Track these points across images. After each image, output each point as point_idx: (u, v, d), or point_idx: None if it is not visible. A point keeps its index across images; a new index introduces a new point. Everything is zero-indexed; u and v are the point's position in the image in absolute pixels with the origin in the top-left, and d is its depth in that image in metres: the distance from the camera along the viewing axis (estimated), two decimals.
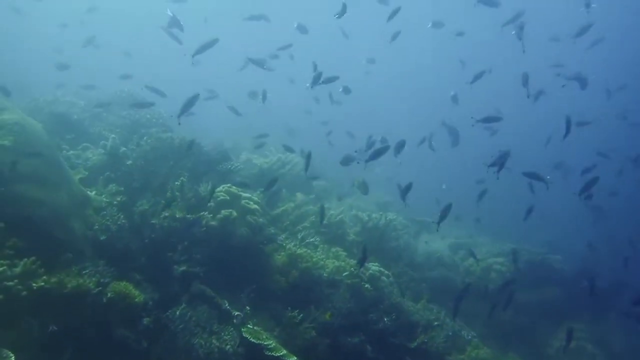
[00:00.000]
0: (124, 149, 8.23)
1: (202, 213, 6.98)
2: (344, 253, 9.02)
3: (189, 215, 6.76)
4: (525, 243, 15.80)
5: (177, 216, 6.67)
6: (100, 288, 5.22)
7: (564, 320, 11.34)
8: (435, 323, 8.71)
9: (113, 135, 8.44)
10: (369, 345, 7.68)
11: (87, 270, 5.39)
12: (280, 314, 7.40)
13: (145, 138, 8.56)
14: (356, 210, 12.39)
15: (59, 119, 10.00)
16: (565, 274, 12.68)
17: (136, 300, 5.28)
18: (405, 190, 8.11)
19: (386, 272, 8.99)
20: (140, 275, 6.44)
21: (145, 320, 5.83)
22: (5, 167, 4.88)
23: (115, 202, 6.68)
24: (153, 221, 6.71)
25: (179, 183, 7.15)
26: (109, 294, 5.19)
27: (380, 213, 11.24)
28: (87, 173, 7.89)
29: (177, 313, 5.87)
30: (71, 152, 8.66)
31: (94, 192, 6.85)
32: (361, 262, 7.68)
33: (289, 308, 7.30)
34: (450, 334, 9.32)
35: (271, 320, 7.39)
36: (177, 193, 7.07)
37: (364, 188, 10.44)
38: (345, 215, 10.94)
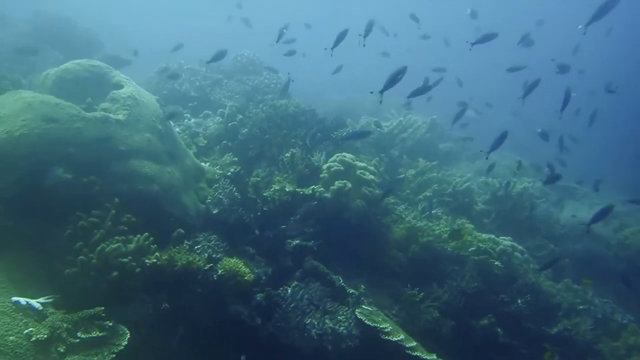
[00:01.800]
0: (241, 116, 8.22)
1: (312, 187, 6.67)
2: (471, 225, 8.22)
3: (298, 189, 6.50)
4: None
5: (287, 190, 6.46)
6: (211, 264, 5.20)
7: None
8: (581, 307, 7.61)
9: (230, 103, 8.48)
10: (499, 328, 6.95)
11: (200, 246, 5.41)
12: (399, 292, 6.97)
13: (261, 105, 8.48)
14: (485, 177, 11.35)
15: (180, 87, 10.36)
16: None
17: (246, 278, 5.19)
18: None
19: (520, 247, 8.03)
20: (254, 249, 6.40)
21: (259, 296, 5.76)
22: (119, 142, 4.97)
23: (229, 174, 6.65)
24: (265, 194, 6.59)
25: (288, 154, 6.93)
26: (219, 271, 5.16)
27: (514, 180, 10.08)
28: (205, 142, 8.05)
29: (289, 291, 5.70)
30: (192, 120, 8.91)
31: (208, 164, 6.92)
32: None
33: (409, 285, 6.83)
34: (600, 317, 8.15)
35: (389, 298, 6.99)
36: (287, 164, 6.87)
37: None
38: (472, 182, 10.02)
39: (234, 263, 5.22)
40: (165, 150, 5.57)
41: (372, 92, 6.54)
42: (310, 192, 6.53)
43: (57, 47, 10.16)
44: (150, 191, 5.08)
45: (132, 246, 4.56)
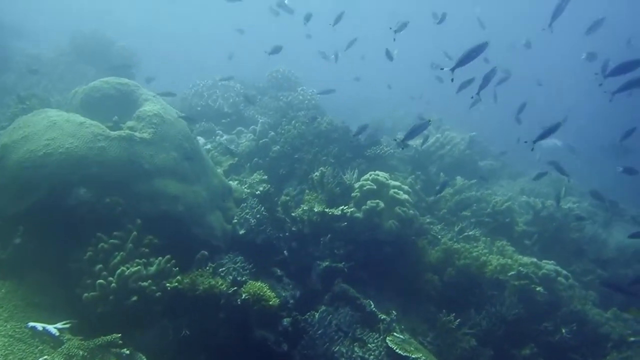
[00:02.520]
0: (272, 133, 8.09)
1: (341, 207, 6.41)
2: (511, 248, 7.79)
3: (327, 210, 6.26)
4: None
5: (316, 210, 6.24)
6: (235, 288, 5.00)
7: None
8: (632, 338, 7.03)
9: (262, 120, 8.37)
10: (542, 359, 6.49)
11: (224, 268, 5.23)
12: (434, 317, 6.61)
13: (293, 122, 8.33)
14: (527, 196, 10.83)
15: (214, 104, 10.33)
16: None
17: (270, 303, 4.95)
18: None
19: (564, 272, 7.52)
20: (282, 271, 6.20)
21: (285, 321, 5.53)
22: (144, 160, 4.87)
23: (257, 192, 6.47)
24: (293, 214, 6.38)
25: (318, 174, 6.71)
26: (243, 295, 4.95)
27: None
28: (237, 159, 7.93)
29: (317, 316, 5.44)
30: (224, 137, 8.84)
31: (237, 182, 6.78)
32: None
33: (444, 311, 6.47)
34: None
35: (424, 324, 6.64)
36: (317, 183, 6.65)
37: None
38: (513, 202, 9.55)
39: (259, 287, 5.00)
40: (192, 169, 5.44)
41: (442, 69, 6.22)
42: (340, 212, 6.27)
43: (94, 64, 10.35)
44: (174, 211, 4.95)
45: (153, 269, 4.42)
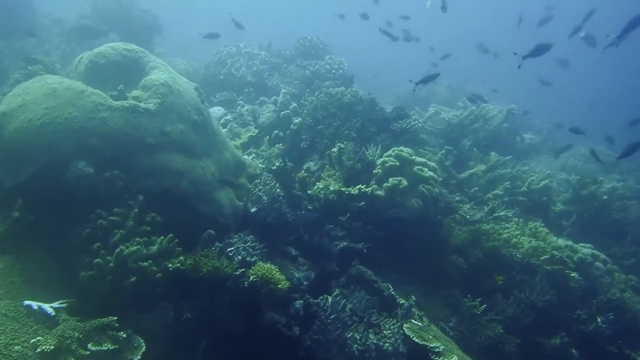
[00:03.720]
0: (294, 105, 7.71)
1: (359, 186, 6.03)
2: (545, 229, 7.28)
3: (344, 189, 5.89)
4: None
5: (332, 188, 5.89)
6: (242, 270, 4.76)
7: None
8: None
9: (284, 90, 7.99)
10: (574, 349, 6.08)
11: (233, 248, 4.98)
12: (458, 302, 6.26)
13: (317, 93, 7.92)
14: (568, 173, 10.19)
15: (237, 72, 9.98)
16: None
17: (280, 286, 4.69)
18: None
19: (602, 256, 7.02)
20: (297, 250, 5.93)
21: (298, 304, 5.28)
22: (148, 133, 4.61)
23: (274, 167, 6.17)
24: (309, 191, 6.06)
25: (336, 150, 6.32)
26: (251, 278, 4.70)
27: (601, 178, 8.90)
28: (257, 131, 7.62)
29: (329, 300, 5.16)
30: (246, 107, 8.52)
31: (252, 156, 6.48)
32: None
33: (469, 296, 6.10)
34: None
35: (446, 309, 6.31)
36: (334, 160, 6.28)
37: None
38: (552, 180, 8.97)
39: (268, 269, 4.74)
40: (200, 143, 5.15)
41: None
42: (357, 191, 5.90)
43: (115, 29, 10.09)
44: (179, 188, 4.69)
45: (154, 249, 4.20)
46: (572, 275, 6.48)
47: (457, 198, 7.83)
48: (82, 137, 4.21)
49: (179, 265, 4.30)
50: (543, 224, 7.53)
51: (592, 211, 8.58)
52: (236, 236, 5.14)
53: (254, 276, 4.69)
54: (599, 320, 6.25)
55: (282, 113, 7.44)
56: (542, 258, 6.64)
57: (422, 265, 6.48)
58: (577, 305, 6.47)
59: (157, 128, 4.66)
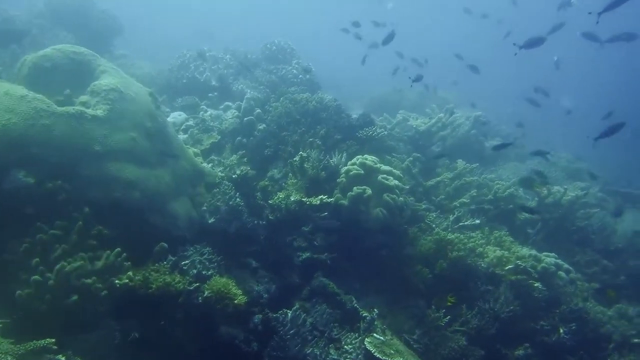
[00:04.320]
0: (259, 110, 7.51)
1: (321, 196, 5.88)
2: (510, 238, 7.25)
3: (305, 199, 5.73)
4: None
5: (292, 199, 5.72)
6: (197, 285, 4.55)
7: None
8: (635, 340, 6.54)
9: (248, 95, 7.77)
10: None
11: (188, 261, 4.77)
12: (423, 313, 6.15)
13: (281, 99, 7.74)
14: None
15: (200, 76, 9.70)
16: None
17: (236, 301, 4.50)
18: None
19: (565, 265, 7.01)
20: (258, 262, 5.74)
21: (257, 318, 5.09)
22: (96, 141, 4.36)
23: (234, 176, 5.97)
24: (270, 201, 5.88)
25: (298, 158, 6.15)
26: (206, 293, 4.49)
27: (565, 187, 8.95)
28: (219, 137, 7.39)
29: (289, 315, 4.98)
30: (209, 112, 8.27)
31: (211, 164, 6.26)
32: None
33: (433, 307, 6.00)
34: None
35: (411, 320, 6.18)
36: (296, 168, 6.11)
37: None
38: (517, 188, 8.96)
39: (224, 283, 4.54)
40: (154, 151, 4.92)
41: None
42: (318, 202, 5.75)
43: (71, 29, 9.66)
44: (130, 198, 4.46)
45: (100, 264, 3.97)
46: (535, 285, 6.45)
47: (424, 206, 7.75)
48: (21, 145, 3.95)
49: (127, 281, 4.07)
50: (508, 233, 7.50)
51: (557, 219, 8.60)
52: (192, 248, 4.93)
53: (209, 291, 4.50)
54: (561, 331, 6.23)
55: (245, 119, 7.24)
56: (507, 268, 6.59)
57: (388, 275, 6.38)
58: (540, 315, 6.43)
59: (106, 136, 4.42)
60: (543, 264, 6.77)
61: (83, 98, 4.56)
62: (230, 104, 8.31)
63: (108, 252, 4.05)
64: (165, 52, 11.65)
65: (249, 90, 8.81)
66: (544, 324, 6.32)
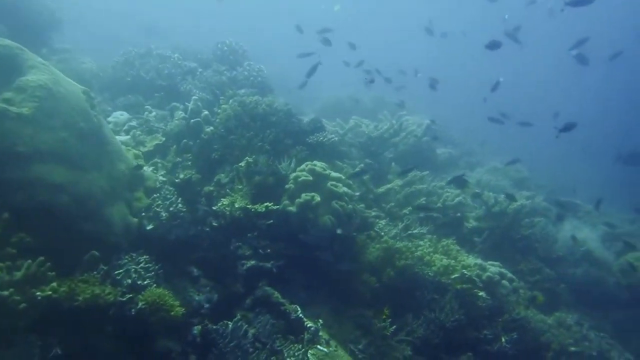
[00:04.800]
0: (206, 112, 7.25)
1: (266, 203, 5.72)
2: (456, 247, 7.29)
3: (250, 206, 5.55)
4: None
5: (237, 205, 5.53)
6: (130, 295, 4.30)
7: None
8: (572, 348, 6.70)
9: (195, 96, 7.50)
10: None
11: (122, 270, 4.50)
12: (369, 323, 6.08)
13: (230, 101, 7.52)
14: (482, 189, 10.39)
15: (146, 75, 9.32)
16: None
17: (172, 313, 4.28)
18: None
19: (509, 274, 7.13)
20: (199, 271, 5.51)
21: (196, 330, 4.88)
22: (20, 141, 4.05)
23: (177, 180, 5.72)
24: (214, 207, 5.67)
25: (243, 164, 5.97)
26: (140, 304, 4.25)
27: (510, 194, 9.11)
28: (164, 139, 7.09)
29: (230, 326, 4.79)
30: (154, 113, 7.94)
31: (152, 168, 5.98)
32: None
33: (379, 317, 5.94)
34: (595, 354, 7.26)
35: (357, 330, 6.10)
36: (242, 174, 5.92)
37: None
38: (466, 196, 9.07)
39: (159, 294, 4.31)
40: (88, 153, 4.63)
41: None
42: (264, 209, 5.59)
43: (4, 19, 9.04)
44: (57, 203, 4.16)
45: (19, 274, 3.66)
46: (480, 294, 6.50)
47: (374, 213, 7.70)
48: None
49: (50, 292, 3.78)
50: (455, 241, 7.54)
51: (503, 228, 8.75)
52: (127, 257, 4.67)
53: (143, 302, 4.26)
54: (503, 340, 6.30)
55: (192, 121, 6.97)
56: (453, 277, 6.62)
57: (335, 284, 6.29)
58: (484, 324, 6.48)
59: (32, 136, 4.11)
60: (488, 273, 6.85)
61: (7, 95, 4.22)
62: (177, 104, 8.00)
63: (29, 261, 3.74)
64: (112, 47, 11.14)
65: (197, 91, 8.52)
66: (487, 332, 6.38)
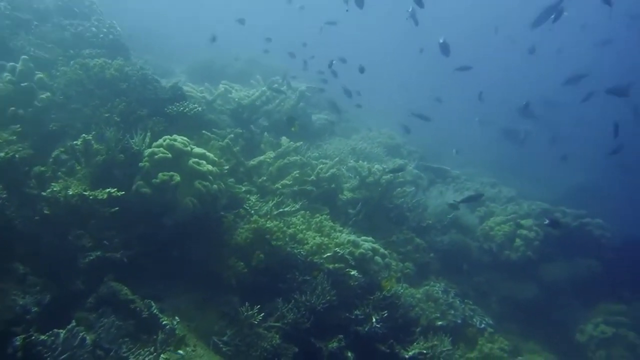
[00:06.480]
0: (41, 75, 6.08)
1: (108, 189, 4.91)
2: (329, 223, 7.04)
3: (88, 193, 4.71)
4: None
5: (71, 192, 4.66)
6: None
7: (599, 301, 9.42)
8: (439, 322, 6.87)
9: (25, 56, 6.24)
10: (350, 352, 5.94)
11: None
12: (235, 311, 5.63)
13: (72, 63, 6.38)
14: (357, 158, 10.28)
15: None
16: (607, 243, 10.41)
17: None
18: None
19: (382, 250, 7.04)
20: (27, 267, 4.61)
21: (18, 341, 4.05)
22: None
23: None
24: (44, 193, 4.74)
25: (80, 142, 5.06)
26: None
27: (383, 166, 9.09)
28: None
29: (62, 335, 4.04)
30: None
31: None
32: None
33: (246, 303, 5.51)
34: (460, 322, 7.58)
35: (222, 320, 5.62)
36: (80, 154, 5.03)
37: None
38: (340, 167, 8.85)
39: None
40: None
41: None
42: (106, 196, 4.78)
43: None
44: None
45: None
46: (352, 273, 6.33)
47: (244, 189, 7.18)
48: None
49: None
50: (329, 216, 7.29)
51: (376, 198, 8.71)
52: None
53: None
54: (373, 320, 6.19)
55: (23, 85, 5.79)
56: (325, 256, 6.36)
57: (199, 270, 5.74)
58: (356, 304, 6.33)
59: None
60: (361, 250, 6.69)
61: None
62: (5, 63, 6.61)
63: None
64: None
65: (32, 49, 7.14)
66: (358, 313, 6.23)
